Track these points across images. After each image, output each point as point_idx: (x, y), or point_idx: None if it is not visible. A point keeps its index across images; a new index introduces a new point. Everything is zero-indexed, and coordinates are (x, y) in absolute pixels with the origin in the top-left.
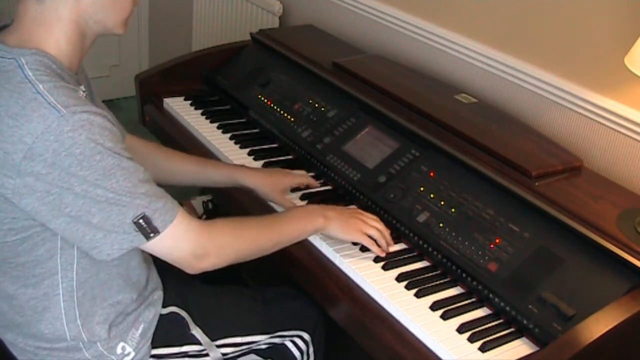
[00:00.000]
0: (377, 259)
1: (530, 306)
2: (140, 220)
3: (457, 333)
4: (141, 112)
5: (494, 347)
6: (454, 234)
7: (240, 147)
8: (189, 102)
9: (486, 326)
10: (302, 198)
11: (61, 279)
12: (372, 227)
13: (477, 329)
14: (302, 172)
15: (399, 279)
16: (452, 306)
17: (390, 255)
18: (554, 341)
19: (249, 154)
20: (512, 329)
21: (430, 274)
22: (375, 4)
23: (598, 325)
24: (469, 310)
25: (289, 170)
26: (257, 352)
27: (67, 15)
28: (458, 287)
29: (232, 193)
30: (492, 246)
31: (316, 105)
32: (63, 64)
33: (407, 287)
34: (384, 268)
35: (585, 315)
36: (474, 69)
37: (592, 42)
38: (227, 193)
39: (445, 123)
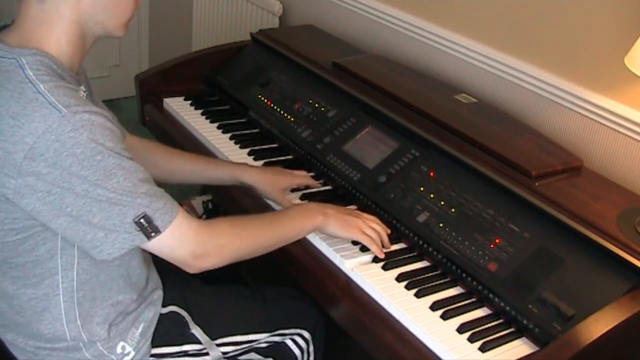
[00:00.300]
0: (376, 259)
1: (530, 306)
2: (142, 220)
3: (457, 333)
4: (141, 112)
5: (494, 347)
6: (454, 234)
7: (240, 147)
8: (189, 102)
9: (486, 326)
10: (302, 198)
11: (61, 279)
12: (371, 227)
13: (477, 329)
14: (303, 172)
15: (399, 279)
16: (452, 306)
17: (390, 255)
18: (554, 341)
19: (249, 154)
20: (512, 329)
21: (430, 274)
22: (375, 4)
23: (598, 325)
24: (469, 310)
25: (290, 171)
26: (257, 350)
27: (67, 15)
28: (458, 287)
29: (232, 192)
30: (492, 246)
31: (316, 105)
32: (64, 64)
33: (407, 287)
34: (384, 268)
35: (585, 315)
36: (474, 69)
37: (592, 42)
38: (227, 193)
39: (445, 123)
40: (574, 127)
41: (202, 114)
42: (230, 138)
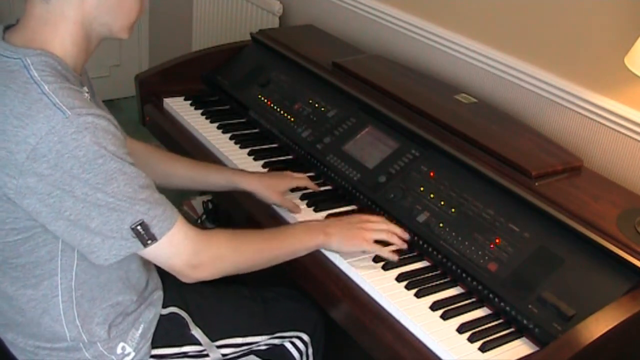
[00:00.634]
0: (376, 259)
1: (530, 306)
2: (138, 227)
3: (457, 333)
4: (141, 112)
5: (494, 347)
6: (454, 234)
7: (240, 147)
8: (189, 102)
9: (486, 326)
10: (302, 198)
11: (60, 280)
12: (378, 230)
13: (477, 329)
14: (302, 174)
15: (399, 279)
16: (452, 306)
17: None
18: (554, 341)
19: (249, 154)
20: (512, 329)
21: (430, 274)
22: (375, 4)
23: (598, 325)
24: (469, 310)
25: (288, 172)
26: (256, 352)
27: (72, 16)
28: (458, 287)
29: (233, 193)
30: (492, 246)
31: (316, 105)
32: (68, 64)
33: (407, 287)
34: (384, 268)
35: (585, 315)
36: (474, 69)
37: (592, 42)
38: (227, 193)
39: (445, 123)
40: (574, 127)
41: (202, 114)
42: (230, 138)
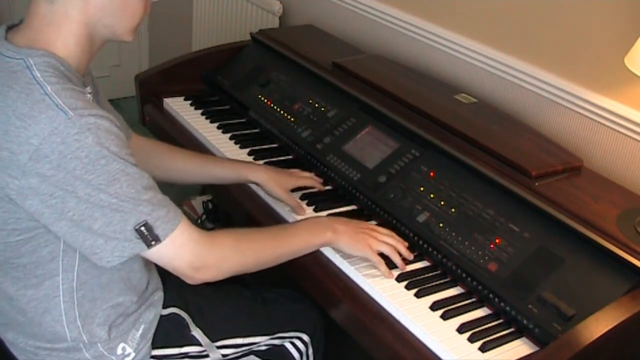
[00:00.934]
0: None
1: (530, 306)
2: (142, 228)
3: (457, 333)
4: (141, 112)
5: (494, 347)
6: (454, 234)
7: (240, 147)
8: (189, 102)
9: (486, 326)
10: (302, 197)
11: (62, 281)
12: (383, 243)
13: (477, 329)
14: (310, 174)
15: (399, 279)
16: (452, 306)
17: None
18: (554, 341)
19: (249, 154)
20: (512, 329)
21: (430, 274)
22: (375, 4)
23: (598, 325)
24: (469, 310)
25: (297, 171)
26: (256, 353)
27: (76, 17)
28: (458, 287)
29: (232, 192)
30: (492, 246)
31: (316, 105)
32: (71, 65)
33: (407, 287)
34: None
35: (585, 315)
36: (474, 69)
37: (592, 42)
38: (227, 193)
39: (445, 123)
40: (574, 127)
41: (202, 114)
42: (230, 138)
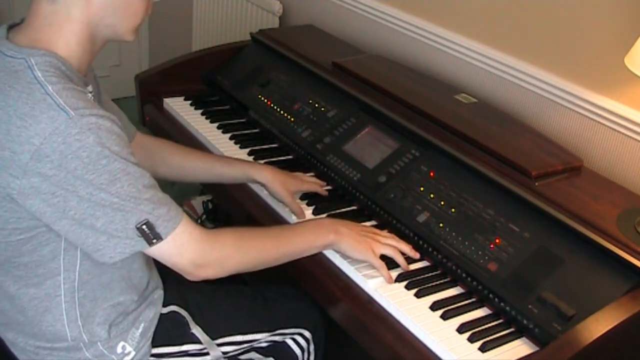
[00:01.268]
0: None
1: (530, 306)
2: (144, 226)
3: (457, 333)
4: (141, 112)
5: (494, 347)
6: (454, 234)
7: (240, 147)
8: (189, 102)
9: (486, 326)
10: (302, 198)
11: (63, 280)
12: (386, 245)
13: (477, 329)
14: (314, 179)
15: (399, 279)
16: (452, 306)
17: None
18: (554, 341)
19: (249, 154)
20: (512, 329)
21: (430, 274)
22: (375, 4)
23: (598, 325)
24: (469, 310)
25: (301, 174)
26: (257, 350)
27: (77, 17)
28: (458, 287)
29: (232, 192)
30: (492, 246)
31: (316, 105)
32: (72, 65)
33: (407, 287)
34: None
35: (585, 315)
36: (474, 69)
37: (592, 42)
38: (227, 193)
39: (445, 123)
40: (574, 127)
41: (202, 114)
42: (230, 138)
